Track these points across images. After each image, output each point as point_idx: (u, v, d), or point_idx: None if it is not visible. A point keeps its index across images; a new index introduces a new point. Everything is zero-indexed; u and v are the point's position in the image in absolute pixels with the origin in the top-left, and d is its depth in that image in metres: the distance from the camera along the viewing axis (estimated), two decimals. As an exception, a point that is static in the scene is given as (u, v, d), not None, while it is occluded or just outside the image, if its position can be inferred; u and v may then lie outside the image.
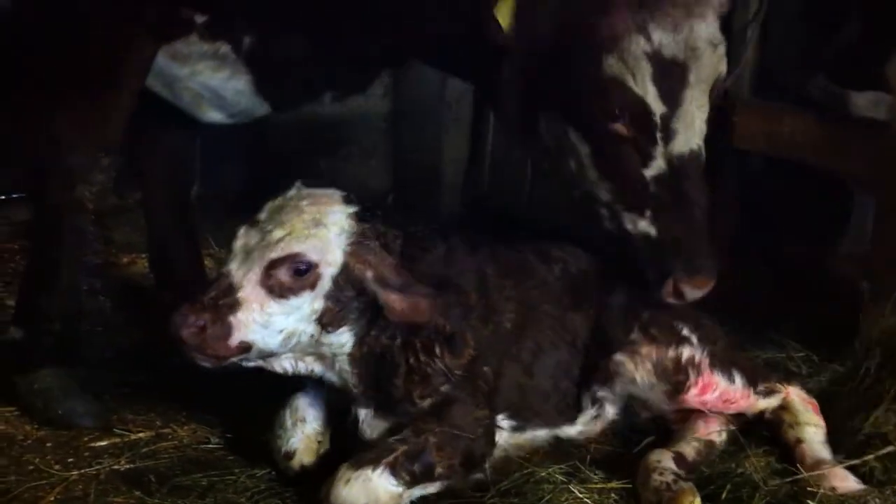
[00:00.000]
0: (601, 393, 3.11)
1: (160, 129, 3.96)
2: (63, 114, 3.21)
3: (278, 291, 2.69)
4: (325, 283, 2.74)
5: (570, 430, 3.17)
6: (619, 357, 3.05)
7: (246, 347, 2.70)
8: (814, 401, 3.09)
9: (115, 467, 3.01)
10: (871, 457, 2.84)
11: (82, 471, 2.99)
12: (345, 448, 2.88)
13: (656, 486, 2.77)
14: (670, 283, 2.98)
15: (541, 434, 3.12)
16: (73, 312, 3.39)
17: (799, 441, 2.98)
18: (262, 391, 3.02)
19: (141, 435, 3.19)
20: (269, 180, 5.48)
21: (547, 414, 3.11)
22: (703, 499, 2.74)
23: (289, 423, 2.97)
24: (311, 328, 2.76)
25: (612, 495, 2.84)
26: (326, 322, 2.76)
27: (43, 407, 3.26)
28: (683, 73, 2.91)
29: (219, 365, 2.71)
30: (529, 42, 2.95)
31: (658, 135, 2.94)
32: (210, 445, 3.16)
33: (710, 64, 2.95)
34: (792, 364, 3.43)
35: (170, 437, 3.19)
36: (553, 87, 3.02)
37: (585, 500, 2.77)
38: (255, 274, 2.68)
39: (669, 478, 2.78)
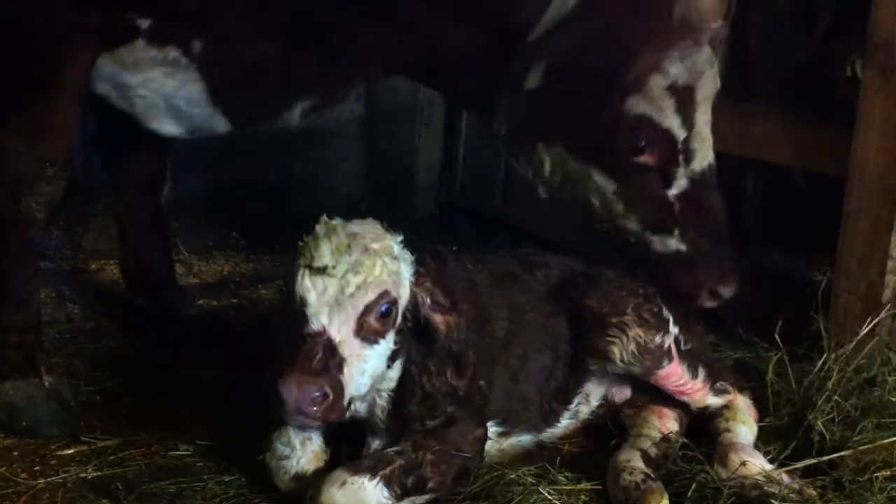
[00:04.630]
0: (586, 382, 3.19)
1: (133, 135, 3.93)
2: (4, 124, 3.15)
3: (371, 337, 2.63)
4: (398, 318, 2.70)
5: (554, 432, 3.19)
6: (610, 335, 3.07)
7: (351, 403, 2.63)
8: (756, 412, 3.20)
9: (83, 475, 2.98)
10: (813, 460, 2.91)
11: (49, 479, 2.96)
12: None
13: (625, 486, 2.78)
14: (706, 291, 3.16)
15: (525, 440, 3.13)
16: (30, 324, 3.33)
17: (727, 430, 3.09)
18: (230, 398, 3.00)
19: (108, 442, 3.16)
20: (240, 185, 5.57)
21: (530, 421, 3.11)
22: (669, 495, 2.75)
23: (297, 441, 2.82)
24: (384, 367, 2.72)
25: (582, 497, 2.84)
26: (391, 357, 2.72)
27: (8, 420, 3.22)
28: (692, 96, 3.08)
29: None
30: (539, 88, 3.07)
31: (680, 157, 3.11)
32: (178, 452, 3.12)
33: (710, 82, 3.12)
34: (762, 364, 3.44)
35: (138, 444, 3.16)
36: (568, 128, 3.13)
37: (555, 501, 2.76)
38: (350, 325, 2.59)
39: (639, 477, 2.79)
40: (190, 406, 3.33)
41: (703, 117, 3.13)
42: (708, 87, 3.11)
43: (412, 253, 2.80)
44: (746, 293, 4.07)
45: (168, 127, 3.56)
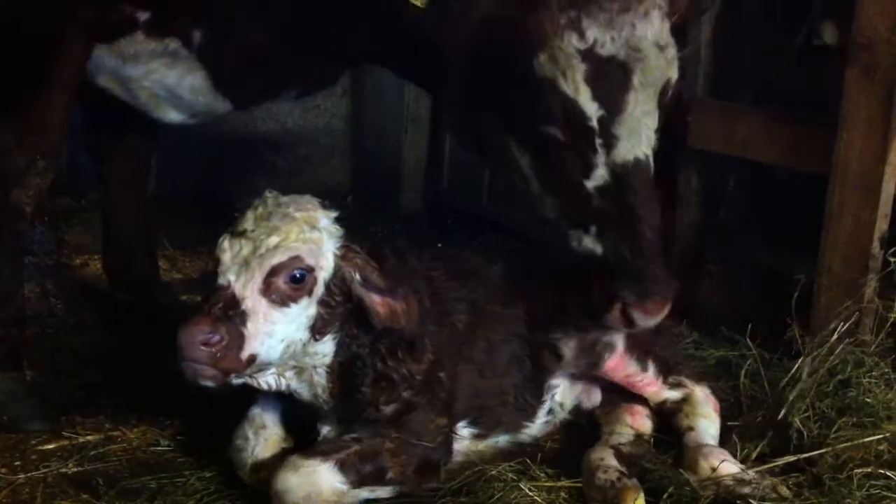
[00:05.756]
0: (550, 377, 3.19)
1: (120, 130, 3.94)
2: None
3: (279, 300, 2.63)
4: (319, 289, 2.70)
5: (530, 432, 3.19)
6: (555, 334, 3.10)
7: (252, 360, 2.62)
8: (716, 401, 3.21)
9: (63, 470, 2.99)
10: (792, 457, 2.92)
11: (29, 474, 2.96)
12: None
13: (600, 485, 2.78)
14: (617, 308, 2.77)
15: (502, 440, 3.14)
16: (15, 317, 3.32)
17: (690, 428, 3.10)
18: (211, 394, 2.98)
19: (90, 438, 3.16)
20: (225, 181, 5.55)
21: (508, 418, 3.12)
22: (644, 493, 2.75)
23: (250, 433, 2.90)
24: (304, 336, 2.71)
25: (562, 493, 2.84)
26: (316, 329, 2.72)
27: None
28: (625, 74, 2.70)
29: (220, 382, 2.62)
30: (457, 40, 2.83)
31: (597, 140, 2.72)
32: (159, 448, 3.13)
33: (657, 66, 2.73)
34: (744, 361, 3.44)
35: (119, 439, 3.16)
36: (488, 91, 2.86)
37: (535, 498, 2.76)
38: (256, 283, 2.61)
39: (614, 475, 2.80)
40: (172, 401, 3.30)
41: (641, 106, 2.72)
42: (652, 74, 2.72)
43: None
44: (730, 290, 4.10)
45: (173, 115, 3.59)
